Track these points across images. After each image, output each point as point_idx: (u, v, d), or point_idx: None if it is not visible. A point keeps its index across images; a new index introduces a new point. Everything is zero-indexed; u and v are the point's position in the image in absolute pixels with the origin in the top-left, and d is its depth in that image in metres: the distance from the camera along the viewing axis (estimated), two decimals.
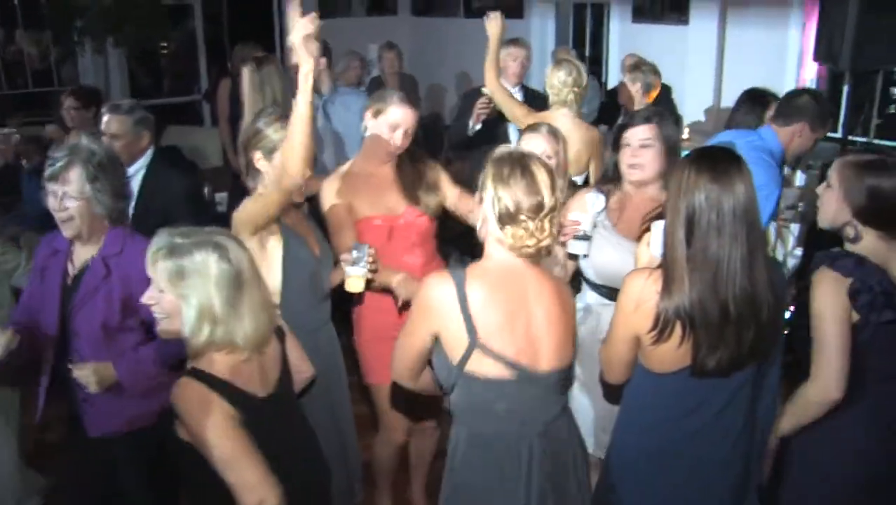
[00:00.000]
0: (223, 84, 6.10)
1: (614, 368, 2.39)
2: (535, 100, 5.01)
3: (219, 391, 2.10)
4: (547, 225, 2.19)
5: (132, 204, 3.27)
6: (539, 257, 2.27)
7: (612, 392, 2.59)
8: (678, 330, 2.16)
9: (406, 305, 2.92)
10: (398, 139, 3.15)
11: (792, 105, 3.54)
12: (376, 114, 3.15)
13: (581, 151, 4.17)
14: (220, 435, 2.06)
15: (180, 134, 7.02)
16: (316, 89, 3.03)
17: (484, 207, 2.24)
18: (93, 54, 8.03)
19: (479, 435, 2.32)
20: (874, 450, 2.45)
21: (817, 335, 2.37)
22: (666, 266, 2.19)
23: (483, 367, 2.21)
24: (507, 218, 2.17)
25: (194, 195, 3.84)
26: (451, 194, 3.32)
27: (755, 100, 3.94)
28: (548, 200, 2.17)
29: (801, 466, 2.54)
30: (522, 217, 2.16)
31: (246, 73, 4.17)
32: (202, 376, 2.11)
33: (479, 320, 2.19)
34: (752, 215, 2.14)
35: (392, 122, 3.13)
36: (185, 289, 2.08)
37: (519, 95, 5.15)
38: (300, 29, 2.42)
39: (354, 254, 2.88)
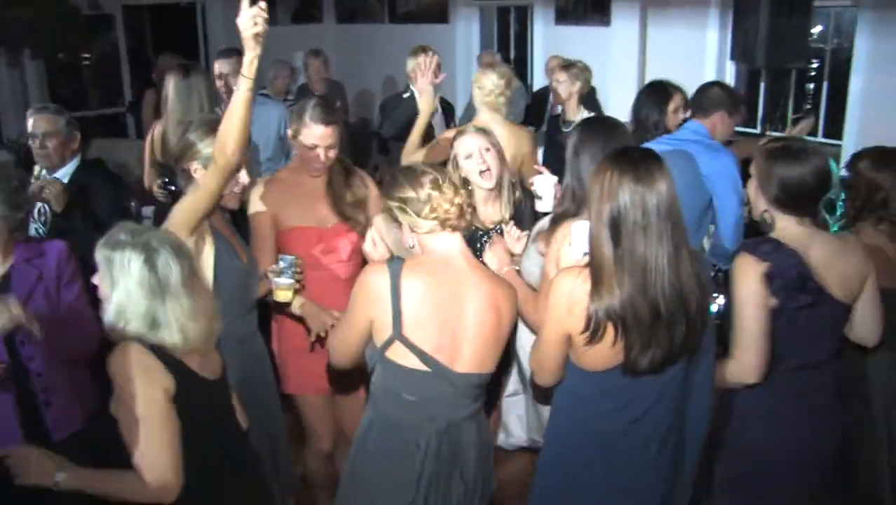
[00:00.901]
0: (148, 95, 6.02)
1: (547, 369, 2.37)
2: (446, 109, 5.07)
3: (164, 362, 2.11)
4: (450, 189, 2.33)
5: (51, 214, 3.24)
6: (465, 225, 2.38)
7: (543, 393, 2.61)
8: (610, 330, 2.16)
9: (319, 339, 2.99)
10: (321, 156, 3.12)
11: (706, 98, 3.80)
12: (294, 134, 3.13)
13: (516, 156, 4.14)
14: (148, 404, 2.06)
15: (105, 147, 6.86)
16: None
17: (405, 223, 2.38)
18: (8, 67, 7.81)
19: (387, 420, 2.42)
20: (799, 430, 2.54)
21: (737, 319, 2.46)
22: (593, 268, 2.18)
23: (400, 356, 2.33)
24: (425, 203, 2.32)
25: (119, 208, 3.71)
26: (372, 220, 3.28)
27: (658, 93, 4.02)
28: (434, 174, 2.36)
29: (733, 447, 2.60)
30: (432, 192, 2.31)
31: (171, 80, 4.06)
32: (151, 347, 2.12)
33: (406, 313, 2.29)
34: (675, 213, 2.15)
35: (309, 143, 3.10)
36: (110, 281, 2.12)
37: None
38: (247, 17, 2.43)
39: (281, 264, 2.89)
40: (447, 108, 5.40)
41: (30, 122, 3.58)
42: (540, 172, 3.30)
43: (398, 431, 2.40)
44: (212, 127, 2.77)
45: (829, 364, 2.60)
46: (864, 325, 2.62)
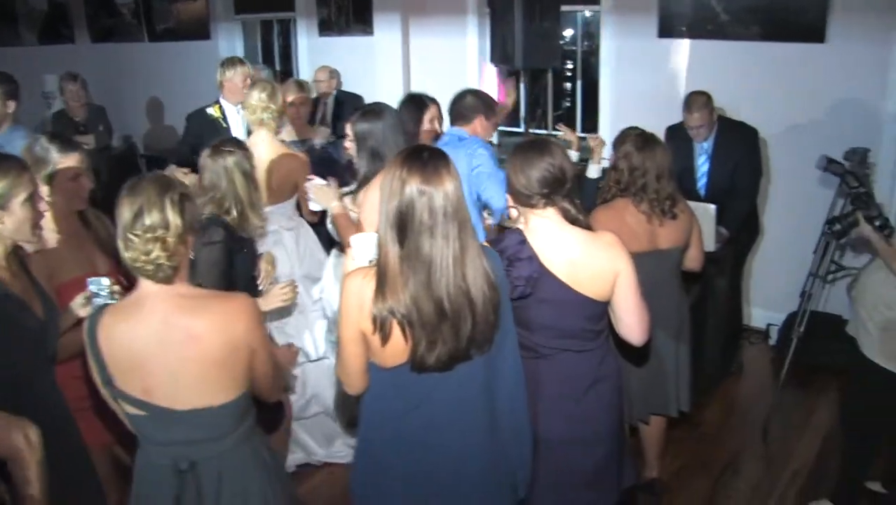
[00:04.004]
0: None
1: (349, 372, 2.34)
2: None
3: None
4: (151, 243, 2.16)
5: None
6: (161, 274, 2.21)
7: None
8: (397, 329, 2.17)
9: None
10: (85, 185, 2.95)
11: (462, 107, 4.12)
12: (48, 179, 2.88)
13: (286, 176, 4.09)
14: None
15: None
16: None
17: None
18: None
19: (141, 465, 2.36)
20: (560, 405, 2.67)
21: None
22: (379, 268, 2.19)
23: (123, 405, 2.27)
24: (120, 233, 2.20)
25: None
26: None
27: (416, 103, 4.15)
28: (150, 219, 2.16)
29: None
30: (129, 235, 2.17)
31: None
32: None
33: (110, 362, 2.21)
34: (461, 213, 2.17)
35: (70, 175, 2.91)
36: None
37: (241, 116, 5.07)
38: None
39: (92, 288, 2.65)
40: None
41: None
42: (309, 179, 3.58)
43: (150, 475, 2.33)
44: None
45: (588, 352, 2.70)
46: (623, 322, 2.71)
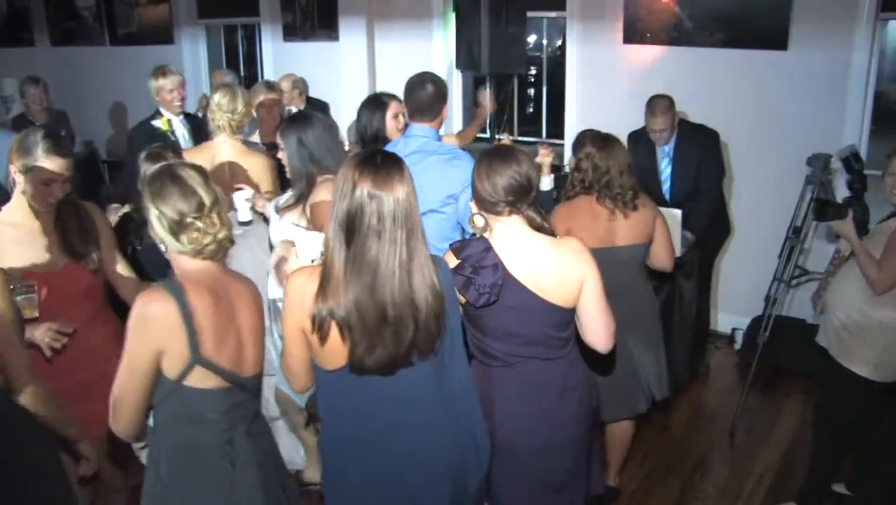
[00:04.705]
0: None
1: (293, 370, 2.37)
2: (200, 127, 4.96)
3: None
4: (216, 219, 2.26)
5: None
6: (221, 253, 2.31)
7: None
8: (335, 331, 2.18)
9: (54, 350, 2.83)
10: (56, 192, 2.91)
11: (426, 97, 3.65)
12: (24, 170, 2.87)
13: (247, 175, 4.09)
14: None
15: None
16: None
17: (156, 229, 2.27)
18: None
19: (185, 445, 2.31)
20: (526, 415, 2.66)
21: None
22: (324, 269, 2.19)
23: (201, 380, 2.24)
24: (177, 227, 2.21)
25: None
26: (106, 257, 3.11)
27: (376, 103, 4.13)
28: (206, 197, 2.25)
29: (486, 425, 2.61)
30: (189, 220, 2.21)
31: None
32: None
33: (203, 334, 2.20)
34: (412, 219, 2.17)
35: (44, 178, 2.87)
36: None
37: (184, 125, 5.03)
38: None
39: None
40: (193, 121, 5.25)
41: None
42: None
43: (202, 452, 2.31)
44: None
45: (555, 360, 2.68)
46: (589, 328, 2.69)
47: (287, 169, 3.57)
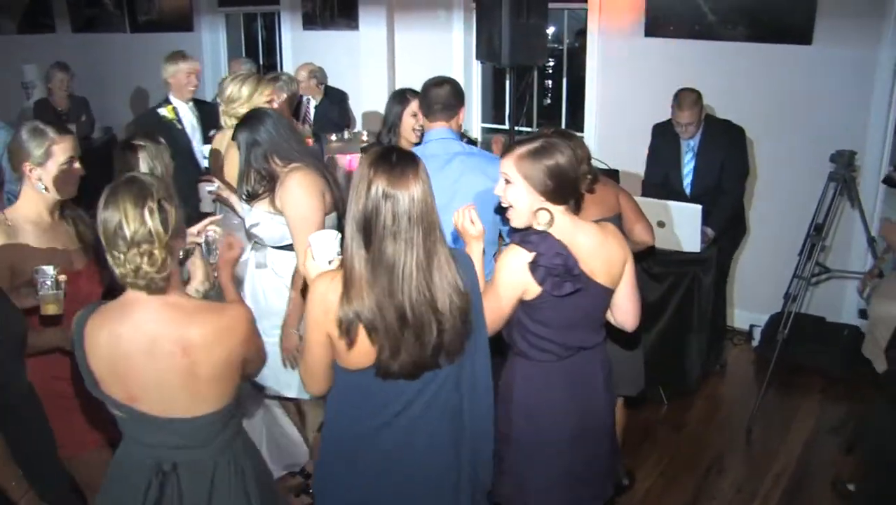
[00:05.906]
0: None
1: (313, 374, 2.32)
2: (210, 113, 4.93)
3: None
4: (137, 257, 2.06)
5: None
6: (158, 289, 2.13)
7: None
8: (363, 334, 2.15)
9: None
10: (79, 169, 2.88)
11: (446, 97, 3.55)
12: (43, 159, 2.80)
13: None
14: None
15: None
16: None
17: None
18: None
19: (125, 458, 2.29)
20: (573, 406, 2.64)
21: (489, 299, 2.49)
22: (345, 271, 2.16)
23: (109, 406, 2.21)
24: (105, 248, 2.11)
25: None
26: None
27: (400, 98, 4.14)
28: (132, 234, 2.05)
29: (527, 424, 2.63)
30: (114, 252, 2.08)
31: None
32: None
33: (94, 366, 2.15)
34: (428, 219, 2.14)
35: (66, 158, 2.83)
36: None
37: (192, 112, 5.02)
38: None
39: (38, 277, 2.62)
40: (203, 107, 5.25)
41: None
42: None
43: (127, 469, 2.27)
44: None
45: (597, 347, 2.71)
46: (622, 308, 2.74)
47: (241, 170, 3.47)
